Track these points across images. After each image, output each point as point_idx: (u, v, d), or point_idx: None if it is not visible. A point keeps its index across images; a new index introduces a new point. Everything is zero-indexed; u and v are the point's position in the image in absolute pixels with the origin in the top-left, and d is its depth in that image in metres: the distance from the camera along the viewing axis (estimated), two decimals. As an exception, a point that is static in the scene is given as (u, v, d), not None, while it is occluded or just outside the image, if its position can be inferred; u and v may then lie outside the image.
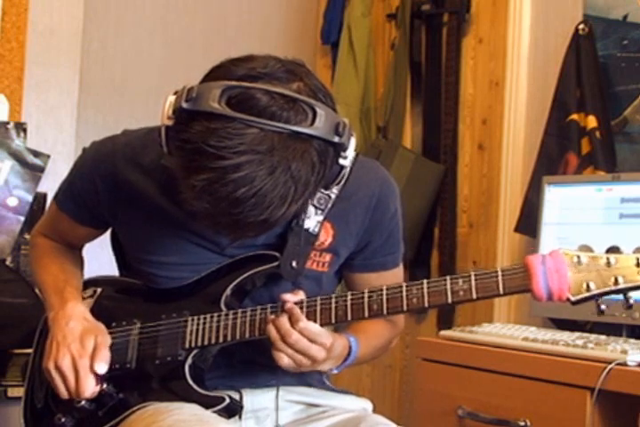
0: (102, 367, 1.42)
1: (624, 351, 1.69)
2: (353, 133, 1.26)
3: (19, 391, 2.31)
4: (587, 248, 1.29)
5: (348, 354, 1.42)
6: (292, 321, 1.34)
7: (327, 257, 1.49)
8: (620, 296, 1.26)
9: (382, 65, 3.17)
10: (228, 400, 1.40)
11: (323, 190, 1.40)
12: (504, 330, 1.98)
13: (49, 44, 2.66)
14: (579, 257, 1.26)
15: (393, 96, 3.05)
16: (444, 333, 2.08)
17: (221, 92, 1.17)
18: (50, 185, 2.41)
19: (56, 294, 1.53)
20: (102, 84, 3.00)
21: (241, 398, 1.46)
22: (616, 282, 1.24)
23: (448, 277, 1.31)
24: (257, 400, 1.49)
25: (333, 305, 1.36)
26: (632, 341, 1.84)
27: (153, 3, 3.12)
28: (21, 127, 2.57)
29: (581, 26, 2.43)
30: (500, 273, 1.29)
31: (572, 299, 1.26)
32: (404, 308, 1.32)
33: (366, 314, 1.34)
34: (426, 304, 1.31)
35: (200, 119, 1.17)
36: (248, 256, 1.45)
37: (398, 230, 1.55)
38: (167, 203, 1.44)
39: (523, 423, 1.80)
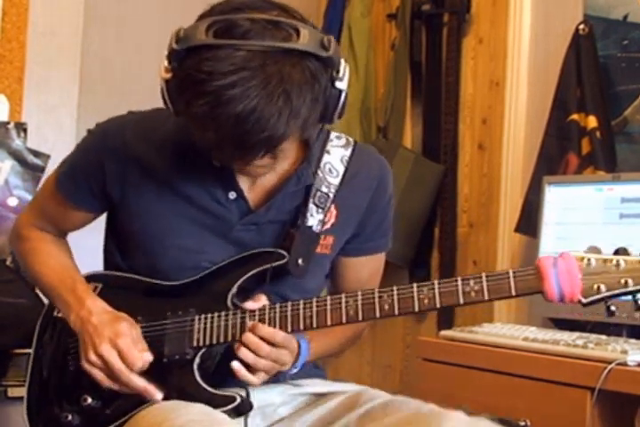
0: (148, 355, 1.41)
1: (624, 351, 1.69)
2: (342, 55, 1.30)
3: (19, 391, 2.31)
4: (596, 250, 1.30)
5: (299, 353, 1.44)
6: (270, 339, 1.36)
7: (330, 239, 1.50)
8: (628, 297, 1.28)
9: (382, 65, 3.17)
10: (239, 400, 1.39)
11: (330, 172, 1.46)
12: (504, 330, 1.98)
13: (49, 44, 2.66)
14: (589, 259, 1.28)
15: (393, 96, 3.05)
16: (444, 333, 2.07)
17: (207, 26, 1.23)
18: (50, 185, 2.41)
19: (69, 293, 1.51)
20: (102, 84, 3.00)
21: (248, 394, 1.46)
22: (626, 284, 1.26)
23: (459, 278, 1.31)
24: (263, 397, 1.49)
25: (344, 305, 1.36)
26: (632, 341, 1.84)
27: (153, 3, 3.12)
28: (21, 127, 2.57)
29: (581, 26, 2.43)
30: (511, 274, 1.29)
31: (584, 301, 1.27)
32: (416, 308, 1.32)
33: (377, 314, 1.34)
34: (437, 305, 1.32)
35: (191, 55, 1.23)
36: (253, 253, 1.46)
37: (391, 215, 1.59)
38: (177, 179, 1.46)
39: (523, 423, 1.80)
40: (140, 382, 1.40)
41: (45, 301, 1.64)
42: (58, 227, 1.64)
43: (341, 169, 1.50)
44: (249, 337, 1.36)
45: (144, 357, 1.40)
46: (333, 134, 1.53)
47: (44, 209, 1.63)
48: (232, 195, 1.45)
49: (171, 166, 1.46)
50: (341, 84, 1.29)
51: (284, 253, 1.43)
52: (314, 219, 1.46)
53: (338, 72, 1.28)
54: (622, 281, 1.26)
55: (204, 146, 1.31)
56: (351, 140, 1.55)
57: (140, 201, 1.49)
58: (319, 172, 1.48)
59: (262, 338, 1.36)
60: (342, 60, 1.30)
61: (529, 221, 2.42)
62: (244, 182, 1.46)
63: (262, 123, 1.21)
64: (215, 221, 1.46)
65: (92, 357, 1.41)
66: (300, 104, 1.22)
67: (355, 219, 1.52)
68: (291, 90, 1.21)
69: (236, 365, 1.37)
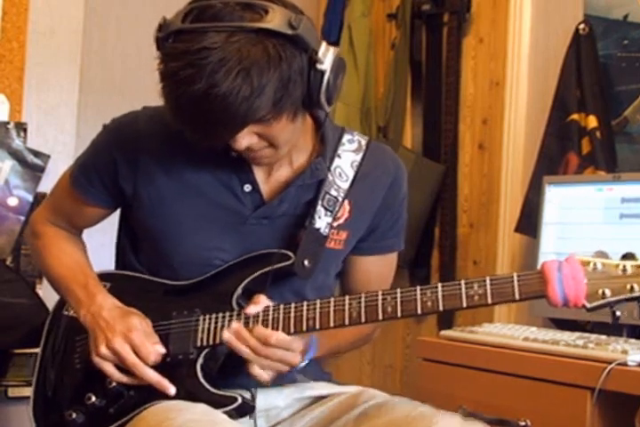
0: (160, 348, 1.42)
1: (624, 351, 1.69)
2: (315, 31, 1.29)
3: (19, 391, 2.31)
4: (602, 254, 1.28)
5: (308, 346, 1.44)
6: (263, 340, 1.35)
7: (343, 235, 1.50)
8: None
9: (382, 65, 3.17)
10: (240, 400, 1.39)
11: (339, 176, 1.46)
12: (504, 330, 1.98)
13: (49, 44, 2.66)
14: (595, 264, 1.26)
15: (393, 96, 3.05)
16: (444, 333, 2.07)
17: (185, 13, 1.27)
18: (50, 185, 2.39)
19: (80, 288, 1.52)
20: (102, 84, 2.99)
21: (253, 397, 1.46)
22: (631, 289, 1.24)
23: (463, 281, 1.30)
24: (269, 400, 1.49)
25: (347, 306, 1.35)
26: (632, 341, 1.84)
27: (153, 3, 3.11)
28: (22, 127, 2.57)
29: (582, 26, 2.43)
30: (515, 278, 1.28)
31: (588, 306, 1.26)
32: (419, 311, 1.31)
33: (380, 317, 1.33)
34: (440, 308, 1.30)
35: (167, 41, 1.27)
36: (260, 254, 1.46)
37: (404, 215, 1.59)
38: (191, 172, 1.46)
39: (523, 423, 1.80)
40: (154, 375, 1.40)
41: (45, 301, 1.64)
42: (72, 223, 1.64)
43: (351, 174, 1.50)
44: (244, 335, 1.37)
45: (157, 350, 1.41)
46: (346, 137, 1.53)
47: (59, 205, 1.63)
48: (247, 187, 1.46)
49: (184, 159, 1.47)
50: (323, 66, 1.29)
51: (291, 254, 1.43)
52: (322, 221, 1.46)
53: (317, 53, 1.28)
54: (628, 286, 1.24)
55: (181, 129, 1.31)
56: (364, 143, 1.54)
57: (152, 195, 1.49)
58: (329, 175, 1.48)
59: (258, 338, 1.36)
60: (324, 42, 1.30)
61: (529, 221, 2.41)
62: (259, 175, 1.47)
63: (222, 100, 1.22)
64: (228, 215, 1.46)
65: (104, 351, 1.41)
66: (263, 82, 1.22)
67: (368, 215, 1.53)
68: (250, 67, 1.21)
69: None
